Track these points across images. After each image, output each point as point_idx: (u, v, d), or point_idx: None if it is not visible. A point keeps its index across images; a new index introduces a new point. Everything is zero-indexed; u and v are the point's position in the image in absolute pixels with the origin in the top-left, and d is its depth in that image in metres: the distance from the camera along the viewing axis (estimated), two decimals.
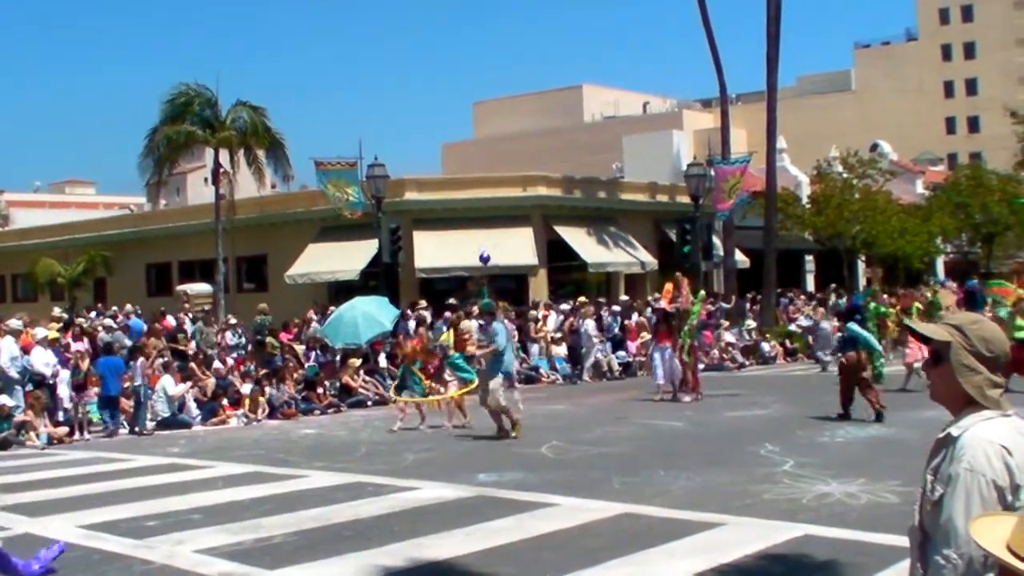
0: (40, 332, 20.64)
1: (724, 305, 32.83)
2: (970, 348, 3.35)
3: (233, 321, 27.83)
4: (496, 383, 17.13)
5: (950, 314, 23.19)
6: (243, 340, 26.67)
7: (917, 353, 20.35)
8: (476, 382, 18.16)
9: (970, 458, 3.17)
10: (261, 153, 35.10)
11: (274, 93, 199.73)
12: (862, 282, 48.89)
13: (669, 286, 23.29)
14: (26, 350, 19.87)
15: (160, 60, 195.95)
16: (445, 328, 24.08)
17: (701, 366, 30.08)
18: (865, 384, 17.89)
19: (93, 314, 29.31)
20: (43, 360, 19.73)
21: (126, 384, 20.27)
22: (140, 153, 34.36)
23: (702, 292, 25.81)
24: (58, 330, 22.31)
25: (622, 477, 12.60)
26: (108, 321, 26.24)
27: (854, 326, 18.94)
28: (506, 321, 18.99)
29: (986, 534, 2.71)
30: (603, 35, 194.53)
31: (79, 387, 20.32)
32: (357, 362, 24.13)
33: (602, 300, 32.97)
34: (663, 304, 22.94)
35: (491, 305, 19.28)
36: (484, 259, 29.85)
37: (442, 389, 19.84)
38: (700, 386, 22.46)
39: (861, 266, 50.06)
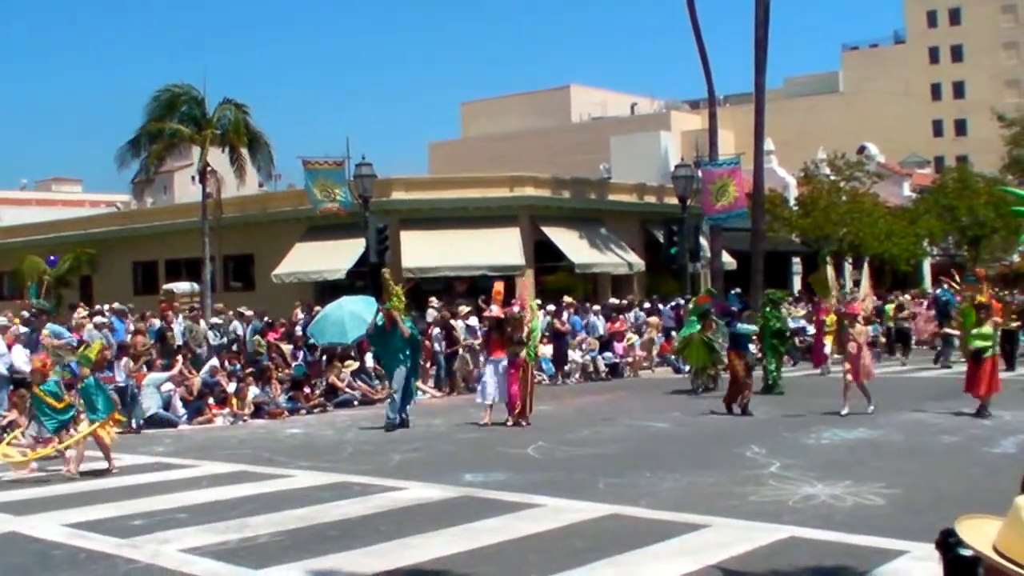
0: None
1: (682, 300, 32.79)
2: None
3: (216, 321, 27.65)
4: None
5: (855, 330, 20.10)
6: (224, 340, 26.56)
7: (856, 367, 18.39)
8: (102, 421, 14.90)
9: None
10: (244, 151, 34.95)
11: (261, 91, 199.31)
12: (849, 284, 48.98)
13: (499, 286, 20.66)
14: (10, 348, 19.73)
15: (148, 57, 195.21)
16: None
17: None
18: (739, 380, 19.26)
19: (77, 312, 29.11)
20: (23, 358, 19.56)
21: (110, 384, 20.08)
22: (120, 147, 34.13)
23: (536, 300, 24.08)
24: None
25: (608, 478, 12.60)
26: (98, 318, 26.08)
27: (743, 326, 20.94)
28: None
29: (973, 535, 2.71)
30: (591, 36, 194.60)
31: (70, 385, 20.14)
32: (350, 365, 24.06)
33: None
34: (495, 309, 19.80)
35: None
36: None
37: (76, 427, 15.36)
38: (527, 411, 18.76)
39: (849, 267, 50.17)
